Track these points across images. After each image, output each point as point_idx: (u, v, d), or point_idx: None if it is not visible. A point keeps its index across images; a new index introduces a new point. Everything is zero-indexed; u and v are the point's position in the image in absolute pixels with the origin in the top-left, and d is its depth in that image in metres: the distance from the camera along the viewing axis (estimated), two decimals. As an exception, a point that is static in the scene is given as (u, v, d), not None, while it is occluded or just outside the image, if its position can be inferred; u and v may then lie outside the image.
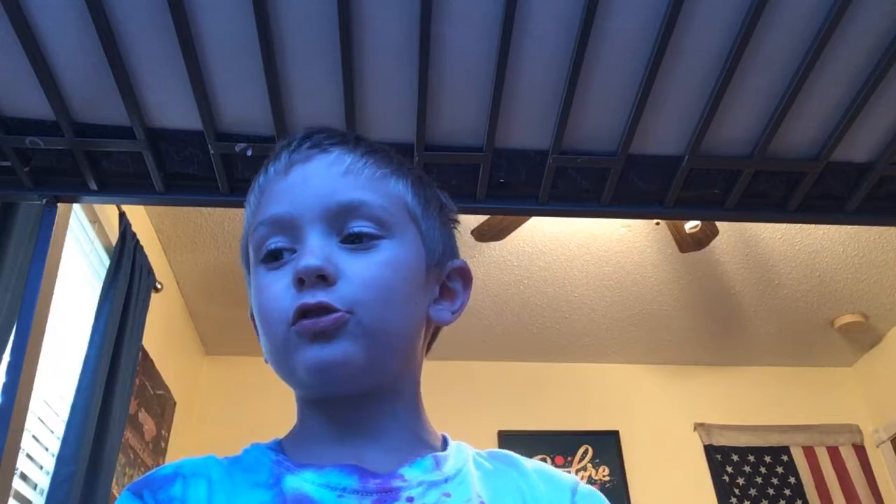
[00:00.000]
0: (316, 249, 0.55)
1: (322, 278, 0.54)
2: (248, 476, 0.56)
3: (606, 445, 3.56)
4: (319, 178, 0.59)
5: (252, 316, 0.64)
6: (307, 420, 0.61)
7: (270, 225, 0.59)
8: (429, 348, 0.67)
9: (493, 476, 0.60)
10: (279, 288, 0.56)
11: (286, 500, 0.53)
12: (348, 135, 0.63)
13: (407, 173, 0.63)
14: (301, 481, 0.54)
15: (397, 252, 0.58)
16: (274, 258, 0.58)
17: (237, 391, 3.49)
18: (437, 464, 0.57)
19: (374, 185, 0.60)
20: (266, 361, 0.61)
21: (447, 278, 0.65)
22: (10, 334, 1.61)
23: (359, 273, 0.55)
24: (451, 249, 0.66)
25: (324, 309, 0.54)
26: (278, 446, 0.60)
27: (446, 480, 0.56)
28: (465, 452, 0.62)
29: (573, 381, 3.74)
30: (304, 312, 0.54)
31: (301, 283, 0.54)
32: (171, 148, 1.23)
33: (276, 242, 0.58)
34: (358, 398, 0.58)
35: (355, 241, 0.57)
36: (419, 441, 0.60)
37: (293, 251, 0.57)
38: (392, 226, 0.59)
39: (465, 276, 0.66)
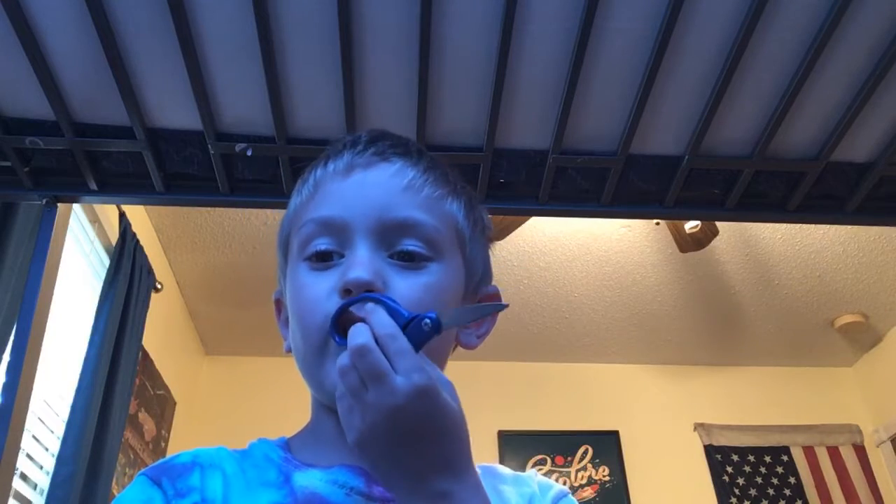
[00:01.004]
0: (366, 262, 0.55)
1: (370, 292, 0.54)
2: (258, 473, 0.57)
3: (606, 445, 3.56)
4: (379, 189, 0.59)
5: (277, 299, 0.64)
6: (320, 422, 0.61)
7: (321, 225, 0.59)
8: None
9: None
10: (322, 290, 0.56)
11: (297, 498, 0.54)
12: (411, 145, 0.63)
13: (461, 194, 0.63)
14: (310, 479, 0.55)
15: (441, 277, 0.58)
16: (320, 259, 0.58)
17: (237, 391, 3.49)
18: None
19: (430, 204, 0.60)
20: (287, 351, 0.61)
21: (479, 303, 0.65)
22: (10, 334, 1.61)
23: (404, 293, 0.55)
24: (488, 274, 0.66)
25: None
26: (286, 444, 0.61)
27: None
28: None
29: (573, 381, 3.74)
30: (347, 322, 0.54)
31: (347, 293, 0.54)
32: (171, 148, 1.23)
33: (324, 244, 0.58)
34: None
35: (405, 259, 0.57)
36: None
37: (341, 255, 0.57)
38: (441, 249, 0.58)
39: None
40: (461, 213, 0.62)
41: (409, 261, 0.57)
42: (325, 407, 0.60)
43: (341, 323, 0.53)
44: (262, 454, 0.59)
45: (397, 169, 0.60)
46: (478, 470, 0.65)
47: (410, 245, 0.57)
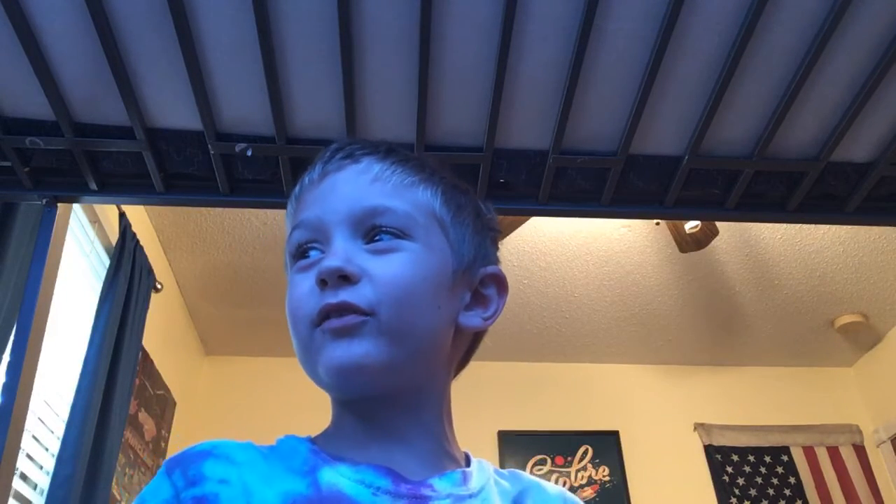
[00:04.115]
0: (339, 251, 0.57)
1: (344, 278, 0.56)
2: (283, 462, 0.57)
3: (606, 445, 3.56)
4: (348, 185, 0.61)
5: None
6: (340, 420, 0.62)
7: (302, 229, 0.61)
8: (467, 359, 0.68)
9: (509, 496, 0.62)
10: (305, 288, 0.58)
11: (321, 491, 0.54)
12: (381, 145, 0.65)
13: (438, 182, 0.64)
14: (337, 475, 0.55)
15: (419, 255, 0.59)
16: (304, 258, 0.61)
17: (237, 391, 3.48)
18: (465, 479, 0.59)
19: (400, 192, 0.61)
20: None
21: (481, 284, 0.65)
22: (10, 334, 1.61)
23: (381, 272, 0.57)
24: (484, 256, 0.66)
25: (347, 308, 0.55)
26: (312, 442, 0.61)
27: (471, 496, 0.58)
28: (487, 471, 0.63)
29: (573, 381, 3.74)
30: (328, 312, 0.56)
31: (324, 283, 0.56)
32: (171, 148, 1.23)
33: (307, 244, 0.61)
34: (383, 400, 0.59)
35: (379, 245, 0.59)
36: (445, 454, 0.61)
37: (323, 253, 0.59)
38: (416, 231, 0.60)
39: (499, 282, 0.66)
40: (438, 198, 0.63)
41: (383, 245, 0.59)
42: (341, 403, 0.61)
43: None
44: (289, 447, 0.60)
45: (364, 165, 0.63)
46: (507, 473, 0.65)
47: (382, 231, 0.59)
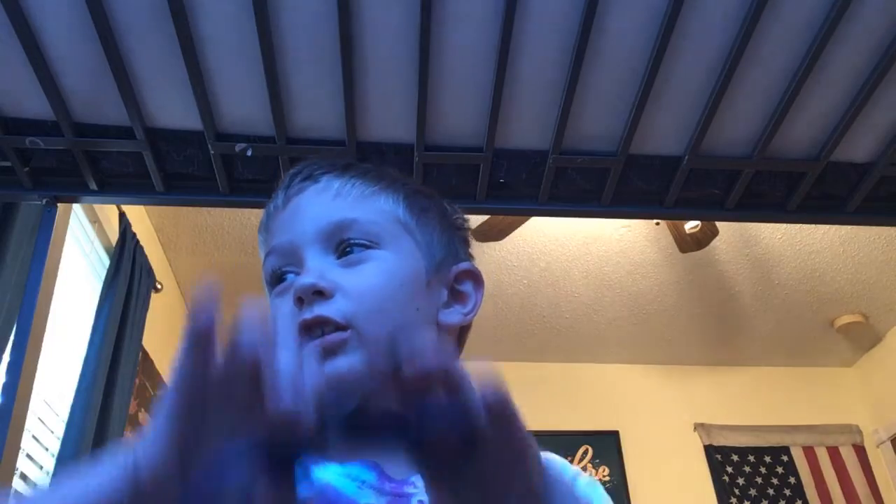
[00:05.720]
0: (312, 269, 0.59)
1: (319, 294, 0.57)
2: None
3: (606, 445, 3.56)
4: (312, 205, 0.63)
5: None
6: None
7: (274, 255, 0.63)
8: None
9: None
10: (285, 311, 0.59)
11: (313, 486, 0.56)
12: (338, 162, 0.67)
13: (399, 188, 0.66)
14: (326, 473, 0.57)
15: (390, 261, 0.60)
16: (280, 282, 0.62)
17: (237, 391, 3.48)
18: None
19: (362, 203, 0.63)
20: None
21: (456, 282, 0.66)
22: (10, 334, 1.61)
23: (354, 284, 0.58)
24: (454, 254, 0.68)
25: (323, 322, 0.56)
26: None
27: None
28: None
29: (573, 381, 3.74)
30: (307, 328, 0.56)
31: (300, 301, 0.57)
32: (171, 148, 1.23)
33: (282, 270, 0.62)
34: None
35: (350, 258, 0.60)
36: None
37: (298, 275, 0.60)
38: (383, 238, 0.61)
39: (474, 277, 0.68)
40: (400, 204, 0.65)
41: (352, 257, 0.60)
42: None
43: None
44: None
45: (324, 184, 0.64)
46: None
47: (350, 243, 0.60)
